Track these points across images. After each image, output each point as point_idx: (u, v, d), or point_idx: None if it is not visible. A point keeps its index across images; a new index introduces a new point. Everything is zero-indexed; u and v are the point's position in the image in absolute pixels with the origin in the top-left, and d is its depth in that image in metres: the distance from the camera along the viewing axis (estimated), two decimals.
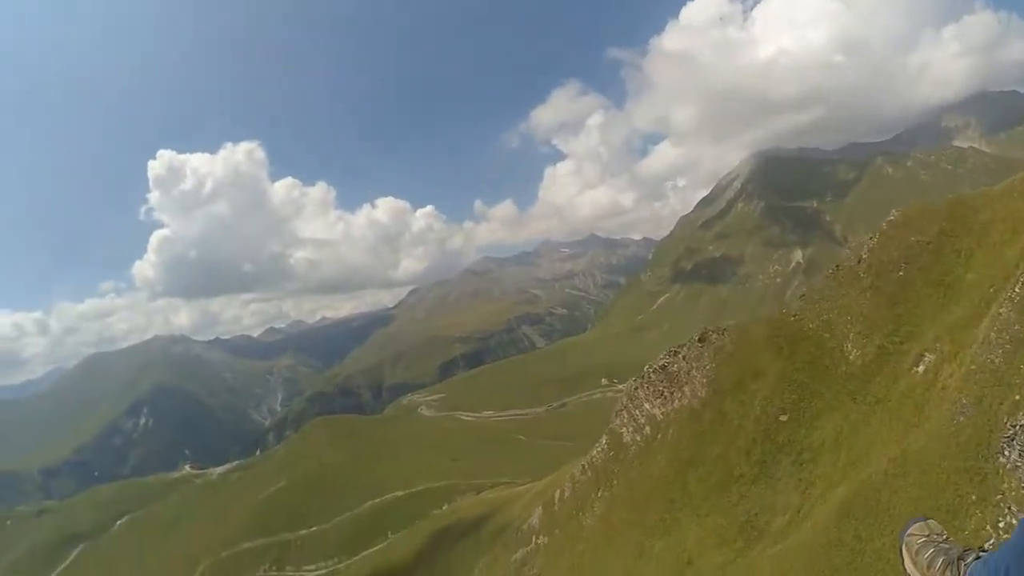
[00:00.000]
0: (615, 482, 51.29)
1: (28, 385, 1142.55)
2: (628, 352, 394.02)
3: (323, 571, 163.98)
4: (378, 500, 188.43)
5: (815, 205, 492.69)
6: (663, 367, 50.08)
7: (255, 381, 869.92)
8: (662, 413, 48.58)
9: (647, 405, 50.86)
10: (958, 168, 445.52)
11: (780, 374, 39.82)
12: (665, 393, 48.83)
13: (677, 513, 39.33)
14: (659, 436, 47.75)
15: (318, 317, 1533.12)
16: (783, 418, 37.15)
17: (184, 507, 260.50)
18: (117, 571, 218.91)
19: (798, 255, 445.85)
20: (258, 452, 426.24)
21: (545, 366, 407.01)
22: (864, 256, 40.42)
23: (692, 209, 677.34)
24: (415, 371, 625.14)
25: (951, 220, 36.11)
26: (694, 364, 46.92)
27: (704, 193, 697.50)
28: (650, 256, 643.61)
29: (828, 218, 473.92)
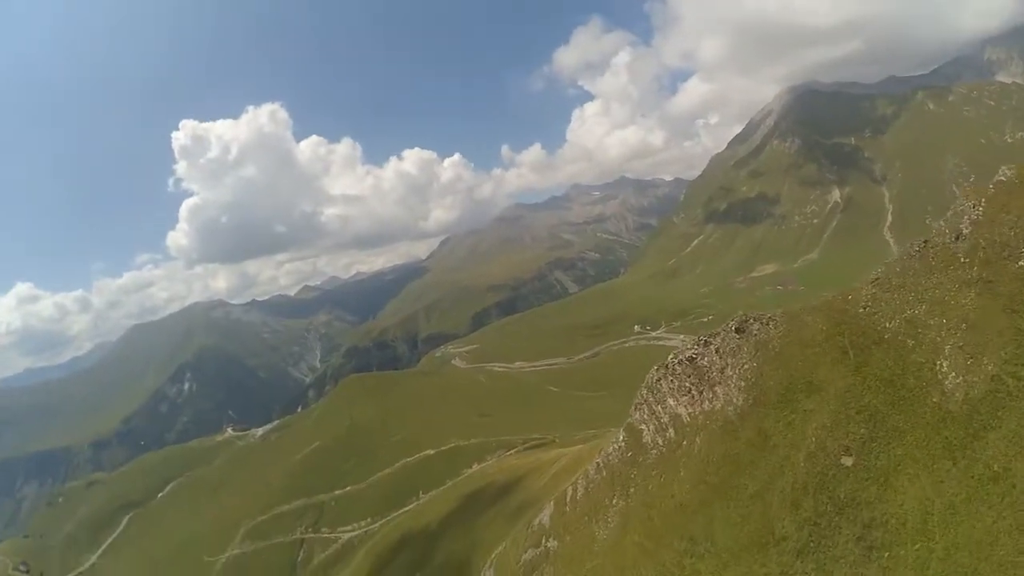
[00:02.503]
0: (632, 490, 42.32)
1: (75, 362, 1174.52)
2: (662, 297, 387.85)
3: (357, 532, 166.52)
4: (410, 459, 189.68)
5: (853, 142, 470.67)
6: (691, 359, 40.32)
7: (294, 339, 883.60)
8: (689, 414, 39.02)
9: (671, 401, 41.32)
10: (1002, 105, 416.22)
11: (845, 392, 28.94)
12: (693, 391, 39.32)
13: (697, 562, 30.24)
14: (684, 443, 38.34)
15: (352, 272, 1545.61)
16: (847, 461, 26.48)
17: (227, 470, 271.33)
18: (164, 536, 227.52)
19: (836, 194, 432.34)
20: (299, 409, 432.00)
21: (577, 313, 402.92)
22: (965, 232, 28.85)
23: (725, 147, 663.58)
24: (449, 322, 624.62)
25: None
26: (729, 360, 36.67)
27: (737, 130, 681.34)
28: (682, 197, 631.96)
29: (867, 155, 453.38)
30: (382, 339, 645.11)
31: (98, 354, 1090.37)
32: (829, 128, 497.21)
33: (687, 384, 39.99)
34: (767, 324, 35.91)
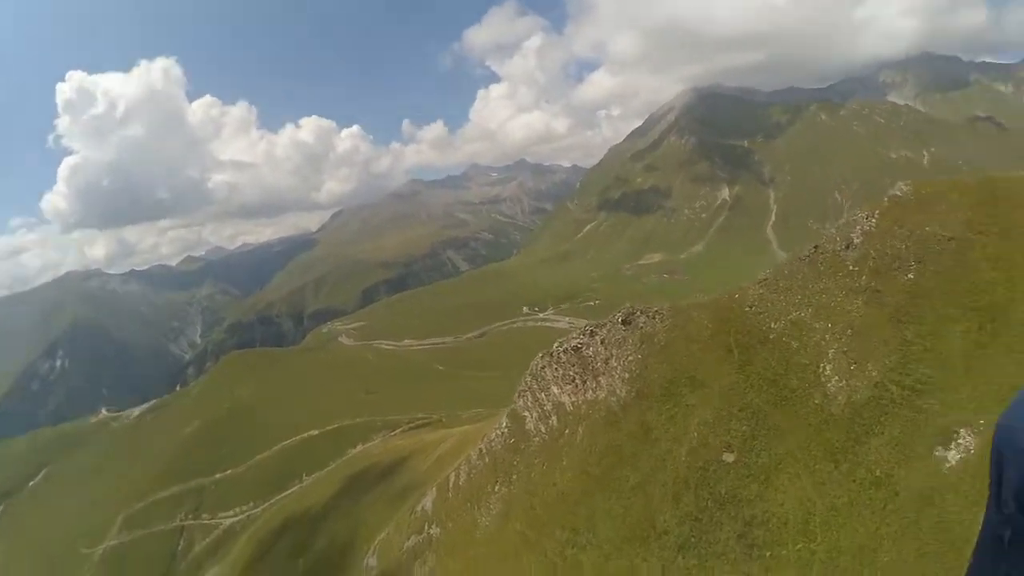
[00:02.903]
0: (514, 478, 41.61)
1: None
2: (552, 280, 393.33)
3: (238, 517, 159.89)
4: (292, 440, 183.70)
5: (746, 145, 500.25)
6: (576, 348, 39.79)
7: (174, 313, 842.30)
8: (572, 403, 38.54)
9: (555, 389, 40.80)
10: (891, 123, 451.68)
11: (728, 389, 29.02)
12: (577, 380, 38.84)
13: (580, 553, 29.74)
14: (567, 432, 37.85)
15: (238, 243, 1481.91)
16: (728, 457, 26.54)
17: (102, 454, 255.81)
18: (39, 528, 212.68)
19: (725, 192, 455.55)
20: (178, 388, 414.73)
21: (468, 292, 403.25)
22: (856, 241, 28.80)
23: (624, 139, 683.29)
24: (337, 297, 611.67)
25: (982, 210, 25.82)
26: (614, 351, 36.26)
27: (637, 124, 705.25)
28: (578, 184, 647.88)
29: (757, 158, 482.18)
30: (267, 314, 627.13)
31: None
32: (725, 130, 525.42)
33: (571, 373, 39.62)
34: (653, 317, 35.77)
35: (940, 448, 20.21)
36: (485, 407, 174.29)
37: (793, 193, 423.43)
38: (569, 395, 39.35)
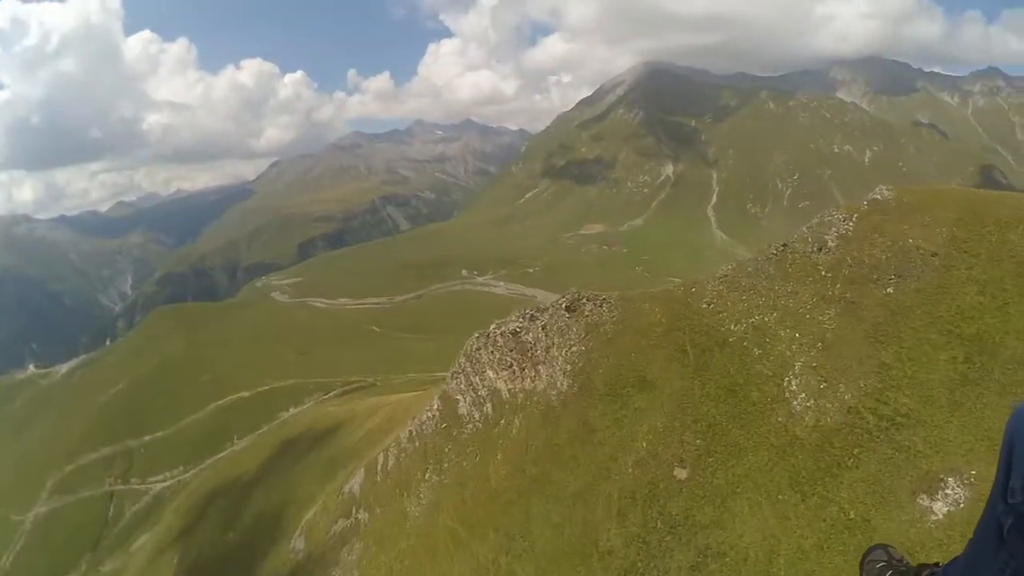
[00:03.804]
0: (445, 466, 39.07)
1: None
2: (492, 243, 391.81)
3: (168, 482, 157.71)
4: (223, 401, 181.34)
5: (693, 124, 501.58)
6: (514, 332, 37.13)
7: (104, 262, 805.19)
8: (509, 391, 35.96)
9: (490, 373, 38.08)
10: (836, 119, 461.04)
11: (681, 395, 25.90)
12: (515, 367, 36.19)
13: (514, 561, 27.18)
14: (502, 422, 35.32)
15: (172, 189, 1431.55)
16: (680, 474, 23.50)
17: (29, 414, 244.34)
18: None
19: (668, 169, 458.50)
20: (108, 342, 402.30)
21: (406, 251, 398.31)
22: (831, 244, 25.99)
23: (572, 107, 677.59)
24: (273, 251, 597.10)
25: (967, 227, 23.52)
26: (556, 339, 33.55)
27: (587, 93, 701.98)
28: (523, 149, 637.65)
29: (703, 138, 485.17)
30: (200, 266, 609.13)
31: None
32: (674, 107, 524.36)
33: (509, 358, 36.86)
34: (600, 306, 32.96)
35: (924, 496, 17.97)
36: (418, 371, 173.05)
37: (735, 175, 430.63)
38: (505, 381, 36.72)
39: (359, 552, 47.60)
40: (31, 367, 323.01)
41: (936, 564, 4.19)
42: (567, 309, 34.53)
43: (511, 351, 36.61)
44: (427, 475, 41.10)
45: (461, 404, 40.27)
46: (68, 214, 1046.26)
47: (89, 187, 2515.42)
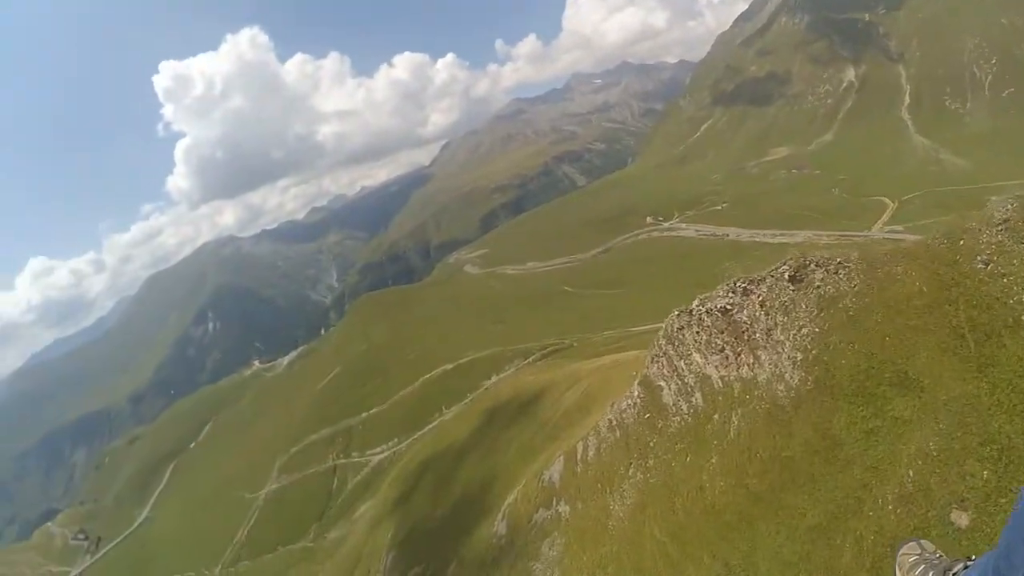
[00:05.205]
0: (651, 462, 33.22)
1: (101, 323, 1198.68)
2: (672, 185, 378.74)
3: (385, 453, 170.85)
4: (428, 376, 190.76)
5: (867, 18, 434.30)
6: (724, 310, 29.37)
7: (308, 263, 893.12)
8: (722, 378, 29.31)
9: (697, 357, 31.18)
10: None
11: (961, 403, 12.82)
12: (727, 351, 29.17)
13: None
14: (715, 417, 28.03)
15: (357, 188, 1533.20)
16: (960, 519, 12.74)
17: (257, 405, 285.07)
18: (206, 480, 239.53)
19: (850, 73, 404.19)
20: (322, 332, 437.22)
21: (586, 207, 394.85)
22: None
23: (730, 26, 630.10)
24: (458, 227, 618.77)
25: None
26: (779, 319, 25.28)
27: (743, 8, 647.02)
28: (688, 80, 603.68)
29: (882, 31, 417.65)
30: (394, 252, 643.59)
31: (120, 309, 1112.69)
32: (840, 3, 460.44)
33: (719, 341, 29.96)
34: (836, 272, 24.04)
35: None
36: (616, 327, 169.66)
37: (926, 69, 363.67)
38: (717, 368, 30.06)
39: (560, 548, 44.02)
40: (256, 363, 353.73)
41: (970, 558, 4.35)
42: (791, 279, 26.11)
43: (721, 333, 29.32)
44: (630, 471, 35.89)
45: (665, 392, 34.37)
46: (268, 228, 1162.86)
47: (283, 201, 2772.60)
